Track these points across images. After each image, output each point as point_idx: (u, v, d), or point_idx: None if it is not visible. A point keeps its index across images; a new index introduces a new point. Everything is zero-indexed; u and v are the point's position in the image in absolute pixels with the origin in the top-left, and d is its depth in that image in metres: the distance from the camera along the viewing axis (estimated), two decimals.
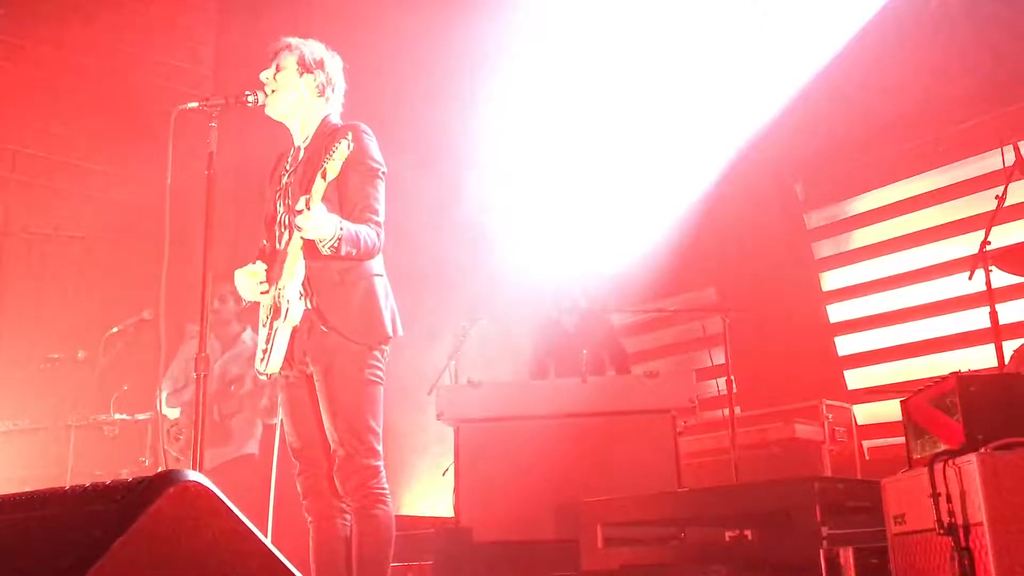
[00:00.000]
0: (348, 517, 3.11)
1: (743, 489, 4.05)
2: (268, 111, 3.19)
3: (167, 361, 5.14)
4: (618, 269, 6.12)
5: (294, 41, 3.24)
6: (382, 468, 3.06)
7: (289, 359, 3.12)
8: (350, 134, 2.97)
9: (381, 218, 3.15)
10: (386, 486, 3.07)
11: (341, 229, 2.95)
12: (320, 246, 2.97)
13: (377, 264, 3.20)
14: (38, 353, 5.69)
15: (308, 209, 2.87)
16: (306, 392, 3.17)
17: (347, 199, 3.11)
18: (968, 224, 5.55)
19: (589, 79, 6.53)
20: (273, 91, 3.15)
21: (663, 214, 6.54)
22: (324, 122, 3.23)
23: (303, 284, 3.09)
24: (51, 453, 5.29)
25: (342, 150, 2.91)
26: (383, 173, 3.20)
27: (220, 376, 5.08)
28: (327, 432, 3.07)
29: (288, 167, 3.27)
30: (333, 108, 3.28)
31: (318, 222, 2.89)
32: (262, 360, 3.11)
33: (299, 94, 3.19)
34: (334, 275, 3.09)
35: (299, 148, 3.26)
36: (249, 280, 3.15)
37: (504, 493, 4.53)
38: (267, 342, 3.11)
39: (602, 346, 5.64)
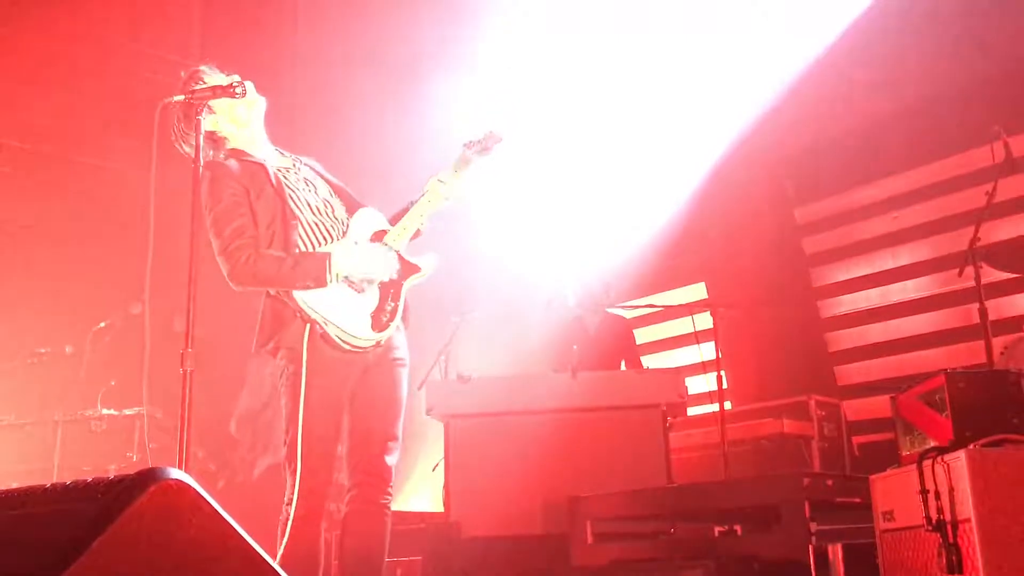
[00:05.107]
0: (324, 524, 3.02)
1: (732, 485, 4.04)
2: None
3: (151, 356, 5.03)
4: (609, 264, 6.11)
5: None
6: None
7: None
8: None
9: None
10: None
11: None
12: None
13: None
14: (25, 348, 5.63)
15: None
16: (387, 375, 3.04)
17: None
18: (958, 220, 5.57)
19: (582, 74, 6.51)
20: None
21: (654, 210, 6.53)
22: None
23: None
24: (38, 448, 5.23)
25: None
26: None
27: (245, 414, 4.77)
28: (384, 423, 3.02)
29: (292, 177, 3.16)
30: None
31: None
32: (373, 325, 2.88)
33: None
34: None
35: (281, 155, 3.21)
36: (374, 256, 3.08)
37: (494, 488, 4.52)
38: (387, 300, 2.95)
39: (619, 348, 5.61)
